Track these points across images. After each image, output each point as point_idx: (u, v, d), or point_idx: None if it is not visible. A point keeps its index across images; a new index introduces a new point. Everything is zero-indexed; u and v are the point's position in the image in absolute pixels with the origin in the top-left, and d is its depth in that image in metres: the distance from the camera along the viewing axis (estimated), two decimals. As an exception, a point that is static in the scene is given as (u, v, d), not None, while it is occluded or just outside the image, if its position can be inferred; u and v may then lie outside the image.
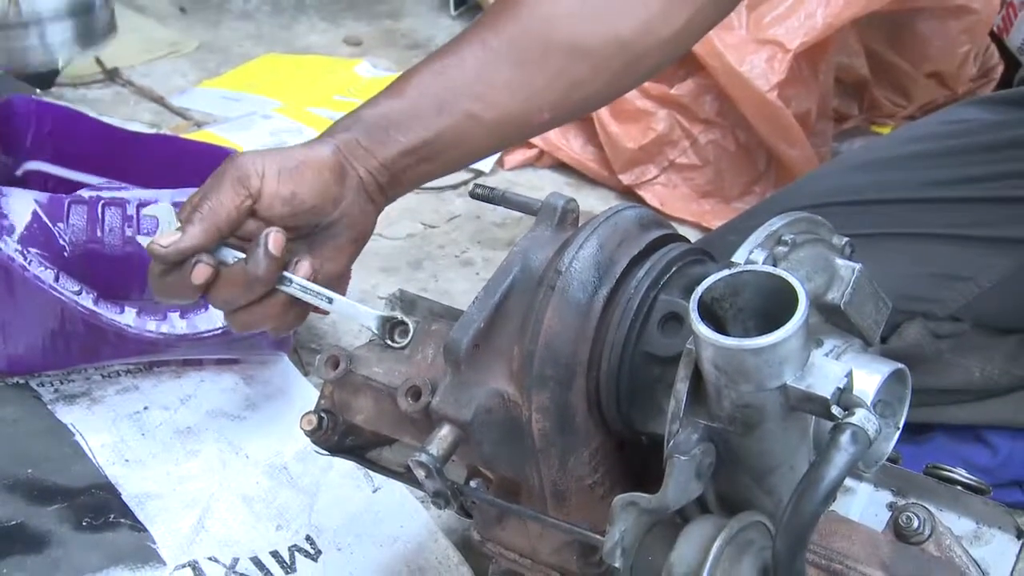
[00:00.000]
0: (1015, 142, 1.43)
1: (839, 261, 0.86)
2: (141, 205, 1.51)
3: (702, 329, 0.74)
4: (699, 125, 2.12)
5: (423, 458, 0.88)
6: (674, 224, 1.06)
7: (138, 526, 1.33)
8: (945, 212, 1.42)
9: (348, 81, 2.52)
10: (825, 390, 0.75)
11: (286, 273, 1.04)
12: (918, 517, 0.90)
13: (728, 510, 0.84)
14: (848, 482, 0.97)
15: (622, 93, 1.28)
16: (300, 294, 1.04)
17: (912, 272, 1.40)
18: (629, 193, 2.16)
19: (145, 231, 1.50)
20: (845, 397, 0.75)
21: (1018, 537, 0.92)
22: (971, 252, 1.40)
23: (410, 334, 1.03)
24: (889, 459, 0.98)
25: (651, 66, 1.23)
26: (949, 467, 0.98)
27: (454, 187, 2.15)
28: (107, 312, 1.45)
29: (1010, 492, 1.42)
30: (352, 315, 1.06)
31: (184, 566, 1.29)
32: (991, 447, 1.44)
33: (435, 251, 2.01)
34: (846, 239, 0.88)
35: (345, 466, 1.40)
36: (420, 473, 0.89)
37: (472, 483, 0.97)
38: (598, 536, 0.84)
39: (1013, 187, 1.41)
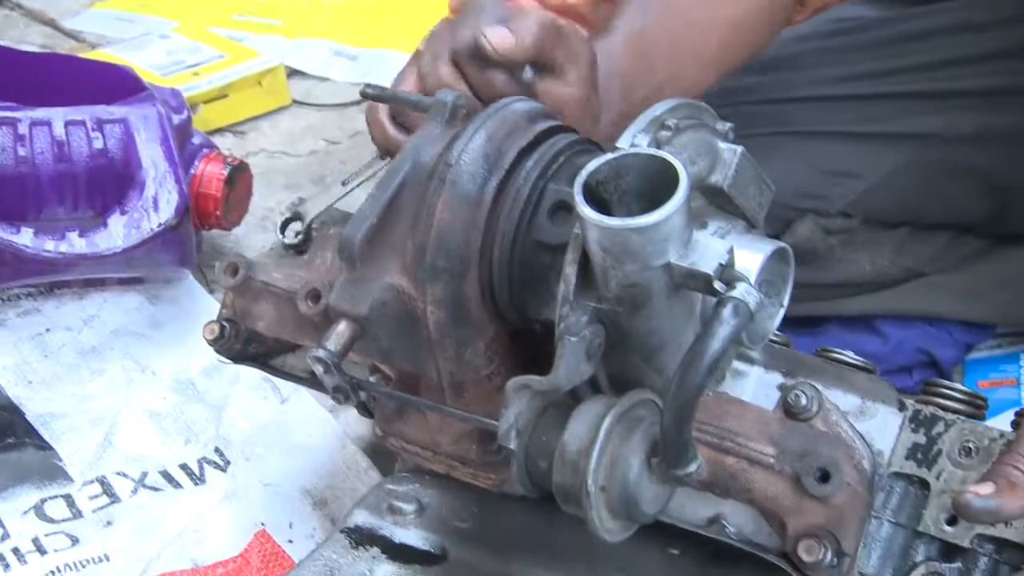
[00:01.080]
0: (900, 37, 1.45)
1: (721, 144, 0.87)
2: (33, 124, 1.48)
3: (587, 211, 0.76)
4: (597, 35, 2.12)
5: (320, 353, 0.89)
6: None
7: (44, 445, 1.33)
8: (832, 110, 1.45)
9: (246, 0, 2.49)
10: (708, 266, 0.77)
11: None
12: (806, 395, 0.93)
13: (620, 391, 0.86)
14: (739, 365, 0.99)
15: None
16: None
17: (801, 170, 1.42)
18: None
19: (39, 151, 1.48)
20: (727, 272, 0.78)
21: (900, 410, 0.96)
22: (858, 148, 1.43)
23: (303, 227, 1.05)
24: (780, 344, 1.01)
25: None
26: (838, 350, 1.01)
27: (357, 103, 2.14)
28: (3, 233, 1.43)
29: (900, 378, 1.46)
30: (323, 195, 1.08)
31: (92, 482, 1.29)
32: (882, 335, 1.48)
33: (338, 167, 2.00)
34: (728, 124, 0.90)
35: (253, 379, 1.41)
36: (319, 369, 0.90)
37: (371, 379, 0.98)
38: (495, 423, 0.85)
39: (898, 83, 1.44)
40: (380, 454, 1.32)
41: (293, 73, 2.24)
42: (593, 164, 0.78)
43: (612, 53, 1.16)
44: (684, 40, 1.22)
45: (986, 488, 0.85)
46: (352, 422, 1.39)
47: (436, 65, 1.06)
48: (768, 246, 0.84)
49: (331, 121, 2.12)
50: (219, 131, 2.02)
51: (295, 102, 2.16)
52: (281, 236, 1.04)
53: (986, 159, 1.42)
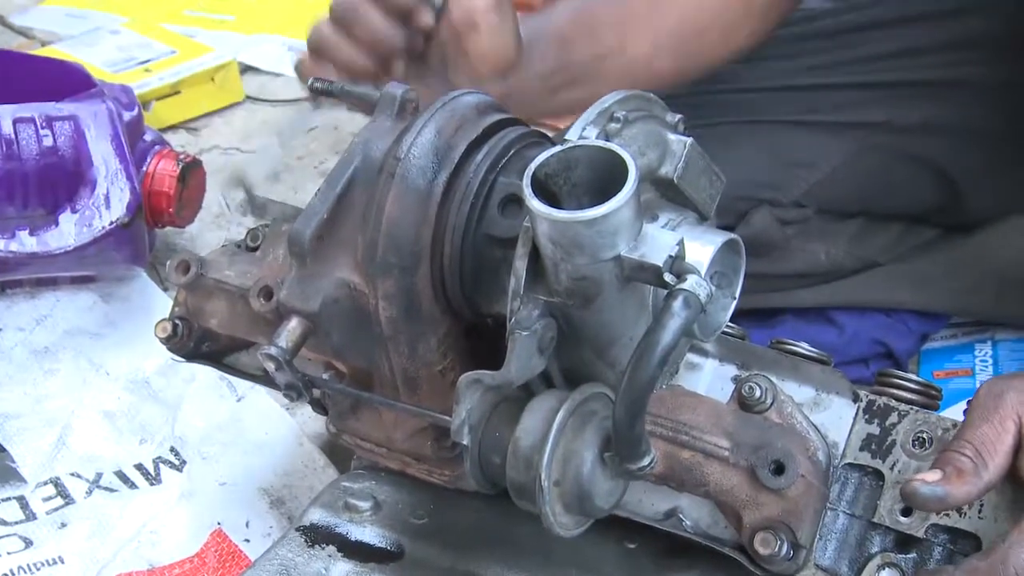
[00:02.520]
0: (848, 28, 1.46)
1: (671, 136, 0.87)
2: (-18, 123, 1.46)
3: (535, 204, 0.75)
4: (553, 28, 2.12)
5: (272, 351, 0.88)
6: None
7: (-5, 447, 1.31)
8: (785, 100, 1.45)
9: (199, -5, 2.47)
10: (657, 259, 0.77)
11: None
12: (760, 387, 0.93)
13: (573, 385, 0.86)
14: (694, 358, 0.99)
15: (738, 49, 1.33)
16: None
17: (756, 159, 1.43)
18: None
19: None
20: (677, 265, 0.77)
21: (854, 401, 0.96)
22: (811, 138, 1.44)
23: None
24: (736, 336, 1.01)
25: (772, 19, 1.31)
26: (792, 341, 1.01)
27: (314, 94, 2.12)
28: (-48, 233, 1.42)
29: (856, 369, 1.46)
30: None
31: (46, 483, 1.28)
32: (838, 326, 1.48)
33: (294, 163, 1.99)
34: (678, 116, 0.89)
35: (208, 377, 1.40)
36: (270, 366, 0.89)
37: (325, 375, 0.97)
38: (448, 419, 0.85)
39: (847, 73, 1.44)
40: (337, 451, 1.31)
41: (246, 69, 2.22)
42: (542, 157, 0.78)
43: (554, 15, 1.16)
44: (635, 12, 1.21)
45: (933, 475, 0.85)
46: (309, 419, 1.38)
47: (317, 26, 1.07)
48: (719, 238, 0.84)
49: (286, 116, 2.10)
50: (172, 128, 2.00)
51: (248, 98, 2.14)
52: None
53: (934, 149, 1.43)
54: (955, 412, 0.97)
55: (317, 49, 1.16)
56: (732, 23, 1.29)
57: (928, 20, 1.42)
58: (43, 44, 2.21)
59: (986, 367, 1.47)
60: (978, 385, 1.43)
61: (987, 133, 1.42)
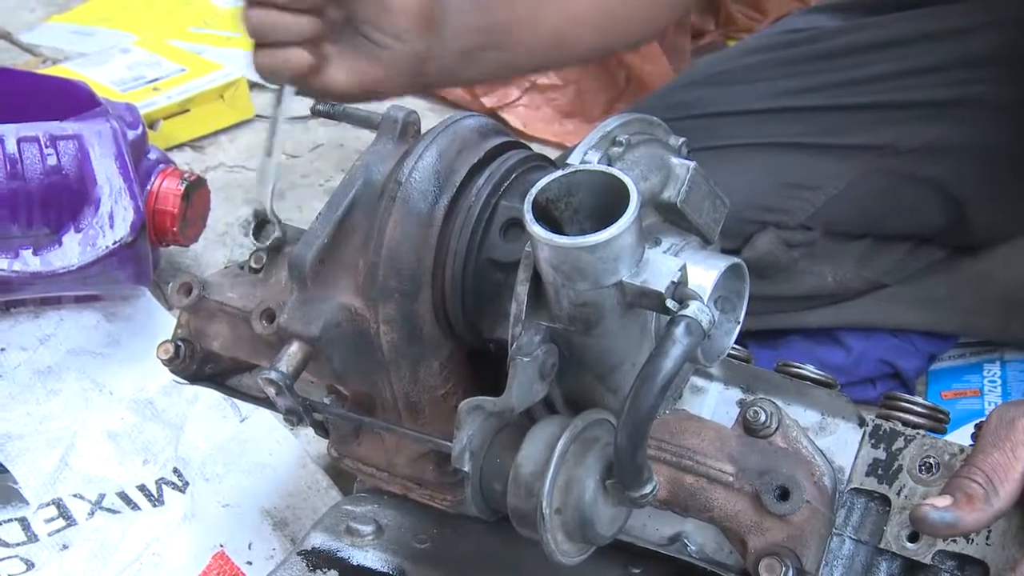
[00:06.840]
0: (855, 48, 1.45)
1: (674, 160, 0.86)
2: (-14, 142, 1.46)
3: (536, 229, 0.75)
4: (559, 45, 2.12)
5: (272, 375, 0.88)
6: (538, 145, 1.07)
7: (-1, 467, 1.31)
8: (790, 122, 1.44)
9: (204, 12, 2.45)
10: (659, 285, 0.76)
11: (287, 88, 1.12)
12: (765, 411, 0.92)
13: (575, 411, 0.85)
14: (698, 381, 0.99)
15: (659, 27, 1.34)
16: (272, 112, 1.11)
17: (761, 182, 1.42)
18: (492, 116, 2.15)
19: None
20: (680, 291, 0.77)
21: (860, 426, 0.95)
22: (817, 160, 1.43)
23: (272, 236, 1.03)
24: (740, 359, 1.00)
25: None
26: (798, 364, 1.00)
27: (317, 117, 2.12)
28: (-45, 252, 1.41)
29: (863, 389, 1.46)
30: (259, 180, 1.06)
31: (48, 504, 1.27)
32: (845, 347, 1.48)
33: (299, 181, 1.99)
34: (682, 139, 0.89)
35: (212, 398, 1.39)
36: (270, 391, 0.89)
37: (326, 399, 0.97)
38: (449, 444, 0.84)
39: (853, 94, 1.44)
40: (341, 472, 1.30)
41: (253, 86, 2.21)
42: (543, 181, 0.77)
43: None
44: None
45: (943, 500, 0.84)
46: (312, 440, 1.38)
47: (246, 11, 1.09)
48: (722, 263, 0.83)
49: (291, 134, 2.09)
50: (178, 146, 2.00)
51: (257, 116, 2.13)
52: (255, 241, 1.02)
53: (941, 169, 1.43)
54: (964, 433, 0.96)
55: (257, 32, 1.16)
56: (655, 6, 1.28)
57: (934, 39, 1.42)
58: (52, 62, 2.20)
59: (995, 387, 1.46)
60: (986, 405, 1.44)
61: (993, 153, 1.41)
